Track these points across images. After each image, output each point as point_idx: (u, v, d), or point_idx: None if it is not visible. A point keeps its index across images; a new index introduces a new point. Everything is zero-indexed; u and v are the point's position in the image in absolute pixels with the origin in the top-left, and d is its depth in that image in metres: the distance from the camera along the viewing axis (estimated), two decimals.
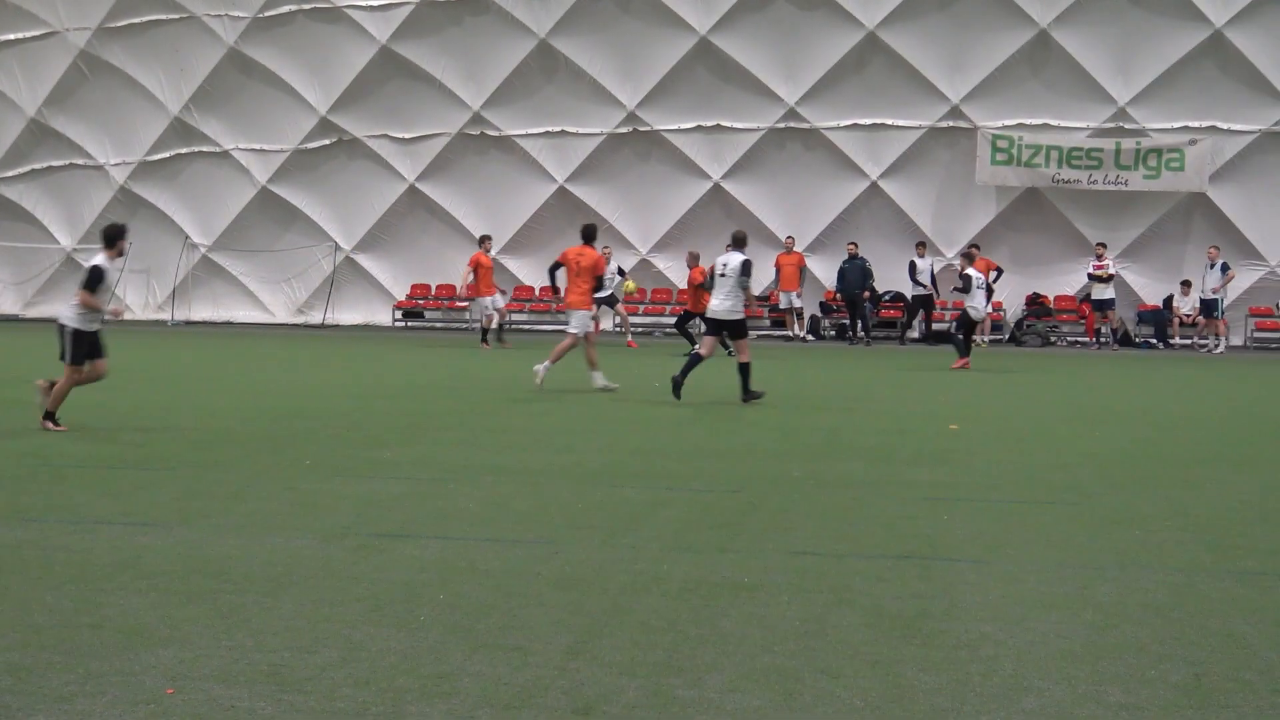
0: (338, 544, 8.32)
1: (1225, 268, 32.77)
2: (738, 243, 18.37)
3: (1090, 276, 33.33)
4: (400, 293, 38.98)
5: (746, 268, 17.90)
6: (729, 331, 18.16)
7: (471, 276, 30.47)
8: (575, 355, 19.48)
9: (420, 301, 38.88)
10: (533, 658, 5.97)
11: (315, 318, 39.35)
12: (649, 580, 7.48)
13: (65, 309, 14.35)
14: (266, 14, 37.58)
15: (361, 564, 7.80)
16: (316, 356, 24.45)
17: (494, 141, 37.07)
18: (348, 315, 39.32)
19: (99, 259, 14.12)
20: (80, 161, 40.35)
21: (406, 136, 37.55)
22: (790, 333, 34.98)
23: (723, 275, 18.01)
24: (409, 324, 38.57)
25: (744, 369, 17.83)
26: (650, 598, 7.10)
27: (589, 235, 19.95)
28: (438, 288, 38.63)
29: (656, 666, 5.89)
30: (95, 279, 13.93)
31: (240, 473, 11.25)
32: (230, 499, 9.93)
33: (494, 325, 30.45)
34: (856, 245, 33.38)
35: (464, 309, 38.18)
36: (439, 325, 38.60)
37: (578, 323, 19.37)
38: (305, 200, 38.77)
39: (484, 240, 31.69)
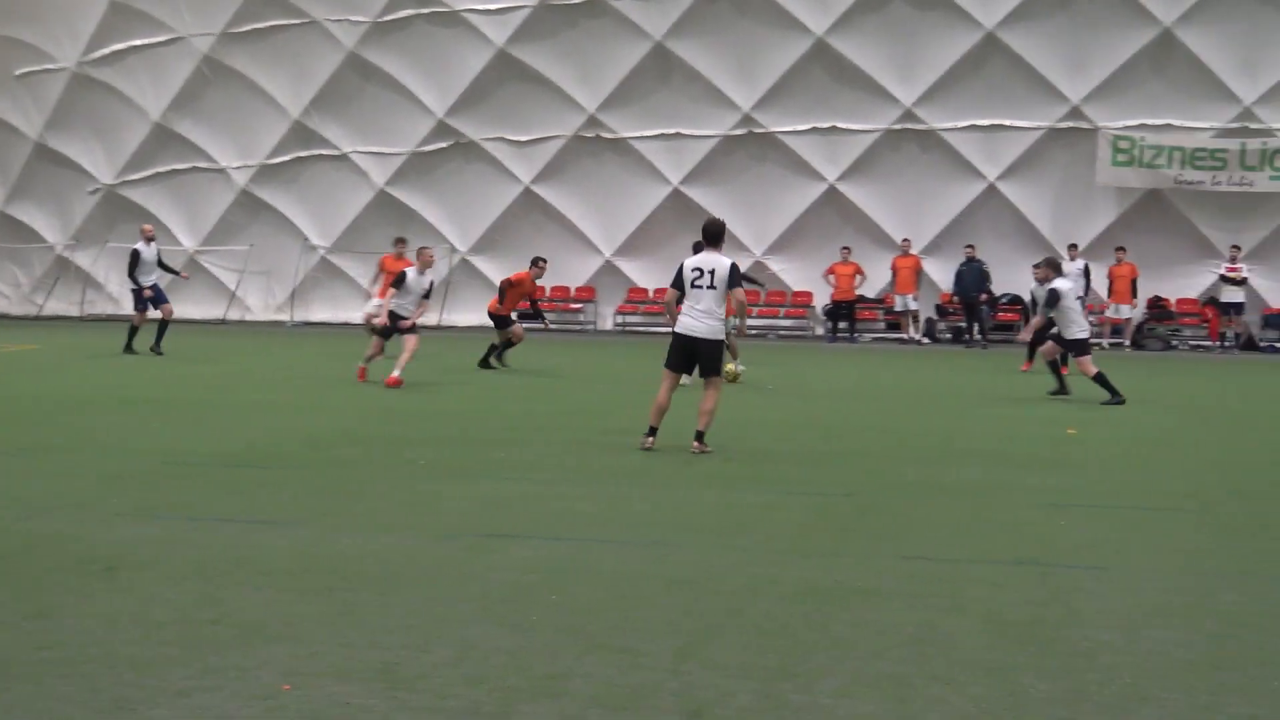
0: (451, 543, 8.39)
1: None
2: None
3: (1222, 278, 32.73)
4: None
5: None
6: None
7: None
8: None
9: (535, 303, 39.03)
10: (644, 659, 5.97)
11: (430, 319, 39.67)
12: (762, 583, 7.46)
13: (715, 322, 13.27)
14: (385, 18, 37.96)
15: (475, 563, 7.86)
16: (435, 356, 24.56)
17: (609, 144, 37.15)
18: (462, 317, 39.59)
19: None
20: (203, 165, 40.99)
21: (522, 139, 37.75)
22: (906, 335, 34.73)
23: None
24: (526, 326, 38.70)
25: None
26: (763, 601, 7.08)
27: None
28: (552, 289, 38.79)
29: (769, 670, 5.87)
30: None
31: (357, 472, 11.38)
32: (347, 498, 10.05)
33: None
34: (974, 247, 33.03)
35: (578, 310, 38.33)
36: (554, 327, 38.72)
37: None
38: (422, 203, 39.10)
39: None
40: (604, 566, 7.81)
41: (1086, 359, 18.72)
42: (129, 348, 25.30)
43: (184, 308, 39.12)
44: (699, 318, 12.99)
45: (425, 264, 20.07)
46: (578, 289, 38.45)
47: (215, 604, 6.83)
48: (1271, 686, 5.79)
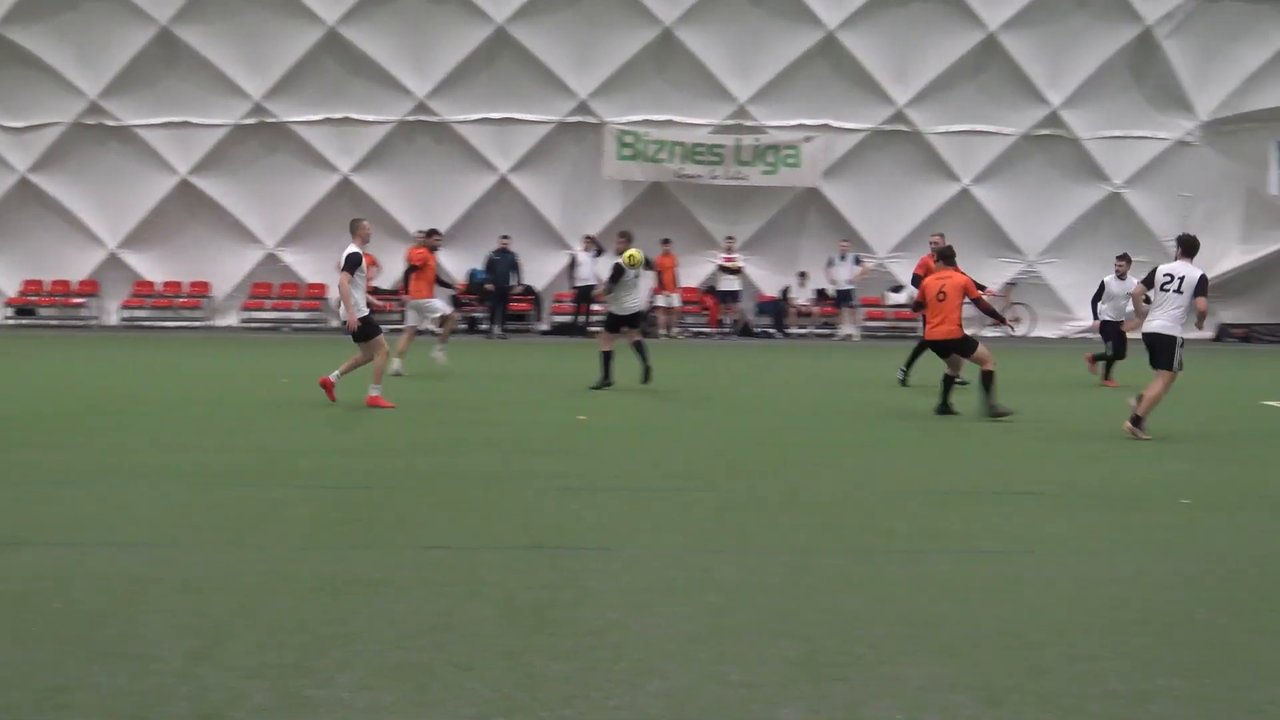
0: None
1: (858, 260, 34.46)
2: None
3: (720, 268, 34.41)
4: (11, 289, 37.11)
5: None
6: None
7: None
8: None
9: (33, 298, 37.12)
10: (154, 665, 5.80)
11: None
12: (277, 580, 7.37)
13: (1168, 321, 14.50)
14: None
15: None
16: None
17: (112, 132, 35.63)
18: None
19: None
20: None
21: (18, 125, 35.76)
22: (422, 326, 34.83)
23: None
24: (21, 321, 36.80)
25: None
26: (279, 598, 6.99)
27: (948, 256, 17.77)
28: (53, 284, 36.95)
29: (285, 668, 5.81)
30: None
31: None
32: None
33: None
34: (510, 238, 33.50)
35: (80, 305, 36.66)
36: (54, 323, 36.92)
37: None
38: None
39: None
40: (110, 571, 7.53)
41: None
42: None
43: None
44: (1159, 316, 14.47)
45: (365, 239, 17.08)
46: (80, 282, 36.78)
47: None
48: (767, 653, 6.15)
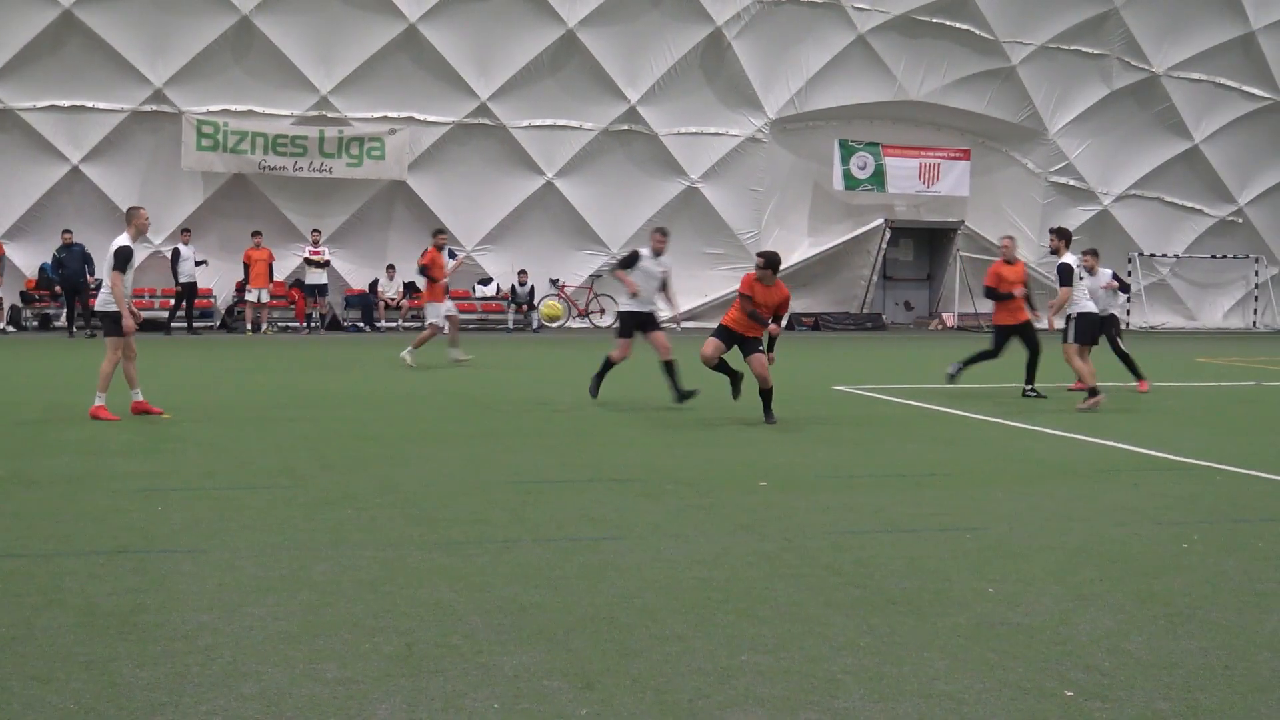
0: None
1: (452, 253, 34.50)
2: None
3: (307, 261, 33.85)
4: None
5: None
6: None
7: None
8: None
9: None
10: None
11: None
12: None
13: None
14: None
15: None
16: None
17: None
18: None
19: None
20: None
21: None
22: None
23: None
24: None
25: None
26: None
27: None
28: None
29: None
30: None
31: None
32: None
33: None
34: (72, 232, 31.91)
35: None
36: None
37: None
38: None
39: None
40: None
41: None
42: None
43: None
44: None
45: (141, 230, 15.12)
46: None
47: None
48: (363, 649, 6.13)
